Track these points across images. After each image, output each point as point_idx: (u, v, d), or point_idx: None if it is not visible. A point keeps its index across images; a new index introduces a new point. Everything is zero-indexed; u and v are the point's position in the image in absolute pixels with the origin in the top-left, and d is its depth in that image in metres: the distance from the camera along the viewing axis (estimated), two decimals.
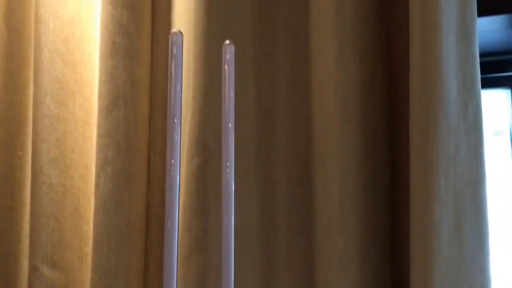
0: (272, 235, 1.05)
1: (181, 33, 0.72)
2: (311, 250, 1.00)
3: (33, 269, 1.14)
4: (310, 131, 1.03)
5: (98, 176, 1.11)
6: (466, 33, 0.96)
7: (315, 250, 0.99)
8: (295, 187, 1.05)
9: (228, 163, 0.71)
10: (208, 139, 1.05)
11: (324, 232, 0.98)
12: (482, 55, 0.99)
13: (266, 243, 1.05)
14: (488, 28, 1.17)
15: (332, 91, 1.00)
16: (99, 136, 1.12)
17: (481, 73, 0.97)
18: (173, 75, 0.70)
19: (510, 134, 1.24)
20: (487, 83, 1.18)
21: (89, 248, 1.16)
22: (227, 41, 0.76)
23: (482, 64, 0.98)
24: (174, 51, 0.70)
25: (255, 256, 1.04)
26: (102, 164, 1.11)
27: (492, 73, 1.25)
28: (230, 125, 0.72)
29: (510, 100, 1.26)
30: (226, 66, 0.74)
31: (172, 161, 0.68)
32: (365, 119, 1.00)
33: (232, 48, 0.76)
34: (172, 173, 0.68)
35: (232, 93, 0.73)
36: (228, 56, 0.74)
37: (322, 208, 0.99)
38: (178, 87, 0.70)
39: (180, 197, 0.98)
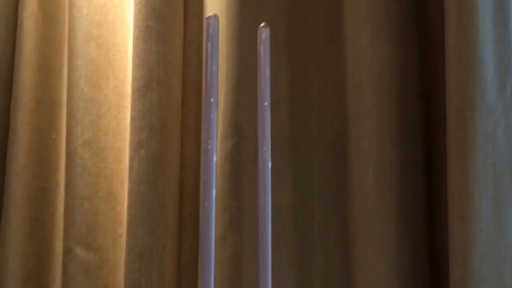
0: (306, 217, 1.05)
1: (217, 17, 0.72)
2: (346, 232, 1.00)
3: (67, 250, 1.15)
4: (344, 112, 1.03)
5: (131, 158, 1.12)
6: (502, 13, 0.95)
7: (350, 232, 0.99)
8: (329, 169, 1.05)
9: (264, 142, 0.71)
10: (241, 120, 1.05)
11: (359, 214, 0.98)
12: None
13: (300, 225, 1.05)
14: None
15: (367, 71, 0.99)
16: (133, 118, 1.13)
17: None
18: (209, 55, 0.70)
19: None
20: None
21: (122, 230, 1.17)
22: (263, 24, 0.76)
23: None
24: (211, 31, 0.70)
25: (289, 238, 1.04)
26: (136, 146, 1.11)
27: None
28: (266, 103, 0.72)
29: None
30: (261, 47, 0.74)
31: (209, 141, 0.68)
32: (400, 99, 0.99)
33: (268, 30, 0.75)
34: (209, 154, 0.68)
35: (267, 72, 0.73)
36: (263, 36, 0.74)
37: (358, 190, 0.98)
38: (215, 67, 0.70)
39: None
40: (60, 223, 1.22)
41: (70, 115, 1.18)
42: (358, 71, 1.01)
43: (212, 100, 0.69)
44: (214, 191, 0.69)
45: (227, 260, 1.03)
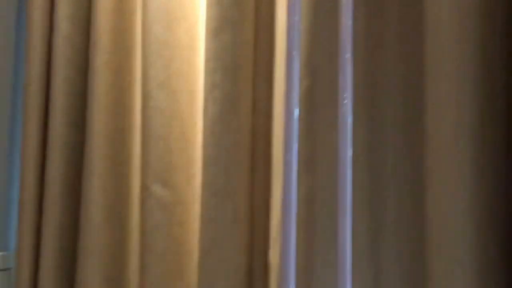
0: (379, 159, 1.05)
1: None
2: (420, 175, 1.01)
3: (145, 187, 1.20)
4: (422, 54, 1.01)
5: (206, 99, 1.15)
6: None
7: (425, 175, 0.99)
8: (404, 111, 1.05)
9: (345, 95, 0.72)
10: (317, 61, 1.04)
11: (436, 156, 0.97)
12: None
13: (373, 166, 1.05)
14: None
15: (448, 10, 0.96)
16: (207, 59, 1.15)
17: None
18: (291, 6, 0.71)
19: None
20: None
21: (194, 170, 1.21)
22: None
23: None
24: None
25: (362, 179, 1.05)
26: (210, 87, 1.14)
27: None
28: (347, 55, 0.73)
29: None
30: None
31: (291, 94, 0.70)
32: (482, 42, 0.96)
33: None
34: (290, 108, 0.70)
35: (349, 23, 0.73)
36: None
37: (435, 132, 0.98)
38: (297, 19, 0.71)
39: None
40: (136, 162, 1.27)
41: (144, 58, 1.21)
42: (438, 8, 0.98)
43: (294, 53, 0.71)
44: (295, 145, 0.71)
45: (302, 199, 1.05)
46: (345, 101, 0.71)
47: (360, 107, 1.05)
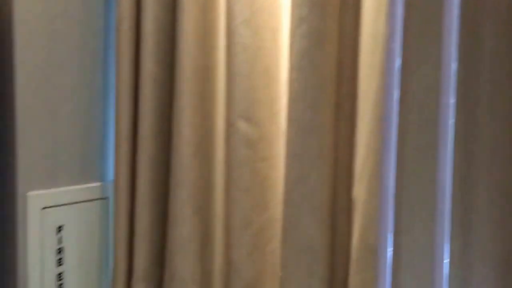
0: (476, 100, 1.00)
1: None
2: None
3: (230, 123, 1.23)
4: None
5: (293, 34, 1.14)
6: None
7: None
8: (501, 41, 0.98)
9: (450, 41, 0.71)
10: None
11: None
12: None
13: (466, 94, 1.01)
14: None
15: None
16: None
17: None
18: None
19: None
20: None
21: (277, 107, 1.23)
22: None
23: None
24: None
25: (458, 119, 1.02)
26: (297, 21, 1.14)
27: None
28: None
29: None
30: None
31: (393, 38, 0.70)
32: None
33: None
34: (392, 55, 0.70)
35: None
36: None
37: None
38: None
39: None
40: (220, 98, 1.29)
41: None
42: None
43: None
44: (394, 94, 0.71)
45: (399, 135, 1.04)
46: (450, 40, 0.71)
47: (460, 48, 1.00)
